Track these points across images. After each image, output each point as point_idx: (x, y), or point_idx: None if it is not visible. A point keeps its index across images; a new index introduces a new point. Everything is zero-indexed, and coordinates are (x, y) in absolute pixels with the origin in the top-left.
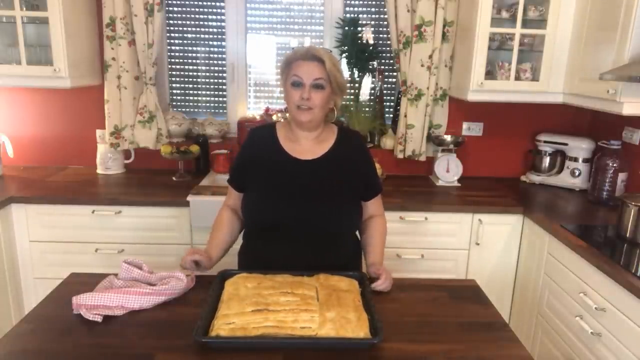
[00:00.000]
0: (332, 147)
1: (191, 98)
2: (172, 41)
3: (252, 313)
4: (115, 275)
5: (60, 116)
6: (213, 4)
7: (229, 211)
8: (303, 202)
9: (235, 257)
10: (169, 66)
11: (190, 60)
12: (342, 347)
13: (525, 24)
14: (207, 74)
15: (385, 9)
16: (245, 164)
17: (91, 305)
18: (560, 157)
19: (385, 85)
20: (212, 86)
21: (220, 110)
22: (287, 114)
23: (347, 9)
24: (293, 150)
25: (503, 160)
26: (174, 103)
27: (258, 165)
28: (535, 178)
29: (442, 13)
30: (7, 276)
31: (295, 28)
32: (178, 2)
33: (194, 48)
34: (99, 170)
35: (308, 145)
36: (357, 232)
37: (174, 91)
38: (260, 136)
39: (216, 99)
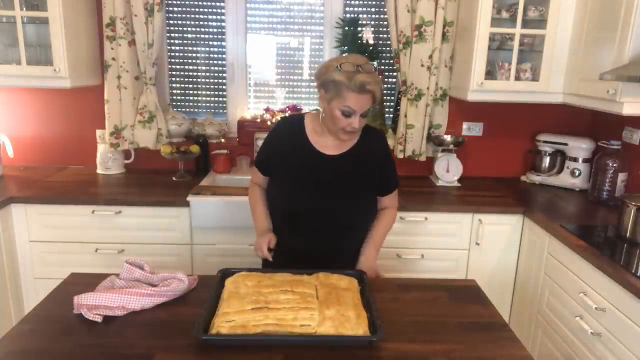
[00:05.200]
0: (355, 145)
1: (191, 98)
2: (172, 41)
3: (252, 311)
4: (117, 275)
5: (60, 116)
6: (213, 4)
7: (259, 187)
8: (324, 194)
9: (235, 257)
10: (169, 66)
11: (190, 60)
12: (342, 344)
13: (525, 24)
14: (207, 74)
15: (385, 9)
16: (271, 152)
17: (92, 305)
18: (560, 157)
19: (385, 85)
20: (212, 86)
21: (220, 110)
22: (321, 115)
23: (347, 9)
24: (318, 143)
25: (503, 160)
26: (174, 103)
27: (284, 155)
28: (535, 178)
29: (442, 13)
30: (7, 276)
31: (295, 28)
32: (178, 2)
33: (194, 48)
34: (99, 170)
35: (334, 140)
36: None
37: (174, 91)
38: (288, 127)
39: (216, 99)
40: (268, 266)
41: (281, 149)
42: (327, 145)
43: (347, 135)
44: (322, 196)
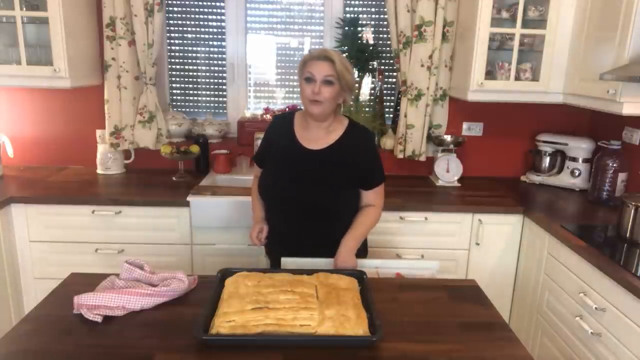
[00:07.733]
0: (338, 139)
1: (191, 98)
2: (172, 41)
3: (252, 311)
4: (117, 275)
5: (60, 116)
6: (213, 4)
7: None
8: (305, 184)
9: (235, 257)
10: (169, 66)
11: (190, 60)
12: (342, 344)
13: (525, 24)
14: (207, 74)
15: (385, 9)
16: (265, 146)
17: (92, 305)
18: (560, 157)
19: (385, 85)
20: (212, 86)
21: (220, 110)
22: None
23: (347, 9)
24: (303, 138)
25: (503, 160)
26: (174, 103)
27: (273, 149)
28: (535, 178)
29: (442, 13)
30: (7, 276)
31: (295, 28)
32: (178, 2)
33: (194, 48)
34: (99, 170)
35: (318, 134)
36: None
37: (174, 91)
38: (279, 123)
39: (216, 99)
40: (270, 258)
41: (272, 143)
42: (312, 139)
43: (315, 108)
44: (304, 185)
